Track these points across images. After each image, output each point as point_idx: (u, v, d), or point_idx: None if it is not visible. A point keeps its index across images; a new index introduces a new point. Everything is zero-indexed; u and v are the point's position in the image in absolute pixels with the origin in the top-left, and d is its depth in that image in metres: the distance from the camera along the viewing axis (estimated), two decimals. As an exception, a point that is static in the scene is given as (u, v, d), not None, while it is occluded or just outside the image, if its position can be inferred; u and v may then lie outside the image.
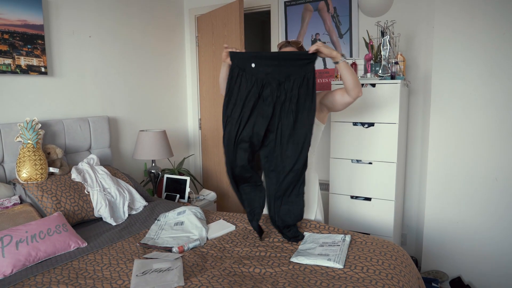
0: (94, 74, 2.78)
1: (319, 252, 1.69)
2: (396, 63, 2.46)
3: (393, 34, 2.53)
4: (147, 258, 1.70)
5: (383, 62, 2.44)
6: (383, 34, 2.45)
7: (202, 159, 3.69)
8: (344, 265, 1.60)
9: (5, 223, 1.80)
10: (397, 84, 2.40)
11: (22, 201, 2.04)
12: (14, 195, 2.06)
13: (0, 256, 1.61)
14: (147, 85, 3.23)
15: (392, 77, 2.43)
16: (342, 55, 1.75)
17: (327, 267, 1.59)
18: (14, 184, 2.12)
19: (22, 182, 2.10)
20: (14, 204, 1.98)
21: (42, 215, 1.98)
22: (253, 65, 1.76)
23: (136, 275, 1.49)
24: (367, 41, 2.70)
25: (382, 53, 2.44)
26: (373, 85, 2.46)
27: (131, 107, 3.09)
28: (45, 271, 1.60)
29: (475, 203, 2.50)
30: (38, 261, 1.69)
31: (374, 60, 2.56)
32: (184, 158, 3.39)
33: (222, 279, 1.50)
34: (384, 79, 2.45)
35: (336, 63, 1.76)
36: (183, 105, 3.65)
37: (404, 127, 2.72)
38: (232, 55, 1.79)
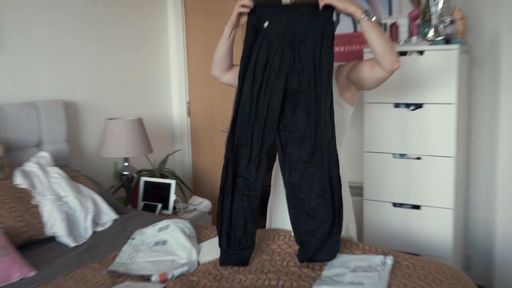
0: (45, 46, 2.78)
1: (350, 280, 1.67)
2: (452, 22, 2.45)
3: (447, -18, 2.53)
4: (116, 291, 1.70)
5: (434, 22, 2.46)
6: (434, -18, 2.47)
7: (192, 157, 3.69)
8: (386, 298, 1.58)
9: None
10: (454, 50, 2.41)
11: None
12: None
13: None
14: (117, 59, 3.24)
15: (447, 41, 2.44)
16: (365, 12, 1.74)
17: (362, 300, 1.59)
18: None
19: None
20: None
21: (-26, 233, 1.96)
22: (265, 24, 1.82)
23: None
24: (412, -8, 2.71)
25: (432, 9, 2.44)
26: (421, 52, 2.48)
27: (95, 88, 3.10)
28: (-23, 310, 1.59)
29: None
30: (-33, 297, 1.69)
31: (422, 18, 2.55)
32: (168, 156, 3.37)
33: (218, 318, 1.48)
34: (436, 44, 2.46)
35: (358, 22, 1.76)
36: (166, 84, 3.65)
37: (465, 108, 2.73)
38: (255, 8, 1.82)
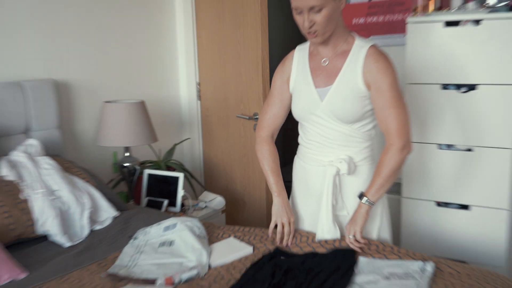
0: (30, 16, 2.80)
1: None
2: None
3: None
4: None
5: None
6: None
7: (203, 146, 3.76)
8: (425, 310, 1.63)
9: None
10: None
11: None
12: None
13: None
14: (114, 33, 3.28)
15: (511, 8, 2.44)
16: (367, 200, 2.02)
17: (397, 312, 1.62)
18: None
19: None
20: None
21: (-44, 231, 2.04)
22: (282, 257, 2.01)
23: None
24: (468, -51, 2.70)
25: None
26: (477, 22, 2.48)
27: (90, 66, 3.14)
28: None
29: None
30: (-48, 301, 1.76)
31: None
32: (175, 145, 3.44)
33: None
34: (496, 11, 2.45)
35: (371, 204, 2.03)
36: (171, 61, 3.67)
37: None
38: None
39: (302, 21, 1.90)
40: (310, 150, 2.16)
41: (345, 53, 2.02)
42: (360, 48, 2.00)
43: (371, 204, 2.00)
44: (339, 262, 1.89)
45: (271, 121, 2.22)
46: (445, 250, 2.66)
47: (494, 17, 2.44)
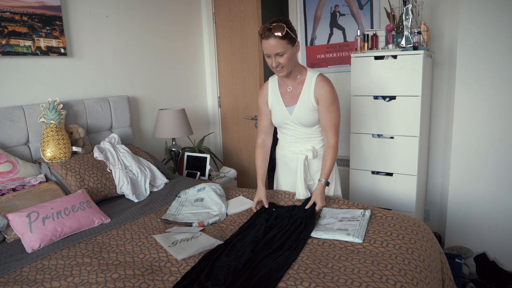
0: (112, 55, 2.79)
1: (338, 227, 1.70)
2: (419, 32, 2.39)
3: (415, 2, 2.45)
4: (166, 233, 1.75)
5: (405, 33, 2.39)
6: (405, 3, 2.37)
7: (222, 137, 3.72)
8: (364, 240, 1.60)
9: (32, 200, 1.87)
10: (420, 54, 2.35)
11: (47, 179, 2.12)
12: (40, 173, 2.13)
13: (28, 231, 1.69)
14: (165, 64, 3.24)
15: (415, 48, 2.38)
16: (326, 182, 1.92)
17: (346, 241, 1.60)
18: (39, 163, 2.19)
19: (46, 161, 2.17)
20: (40, 182, 2.05)
21: (66, 192, 2.05)
22: (274, 209, 1.94)
23: (169, 246, 1.58)
24: (389, 11, 2.62)
25: (405, 23, 2.37)
26: (395, 56, 2.43)
27: (150, 86, 3.12)
28: (70, 245, 1.67)
29: (501, 178, 2.43)
30: (64, 236, 1.76)
31: (396, 30, 2.50)
32: (204, 136, 3.41)
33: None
34: (406, 50, 2.40)
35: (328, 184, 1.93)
36: (202, 83, 3.64)
37: (428, 99, 2.66)
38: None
39: (271, 62, 1.81)
40: (286, 144, 2.08)
41: (302, 82, 1.93)
42: (311, 77, 1.91)
43: (328, 183, 1.93)
44: (309, 212, 1.86)
45: (262, 130, 2.10)
46: (377, 202, 2.64)
47: (405, 53, 2.38)
